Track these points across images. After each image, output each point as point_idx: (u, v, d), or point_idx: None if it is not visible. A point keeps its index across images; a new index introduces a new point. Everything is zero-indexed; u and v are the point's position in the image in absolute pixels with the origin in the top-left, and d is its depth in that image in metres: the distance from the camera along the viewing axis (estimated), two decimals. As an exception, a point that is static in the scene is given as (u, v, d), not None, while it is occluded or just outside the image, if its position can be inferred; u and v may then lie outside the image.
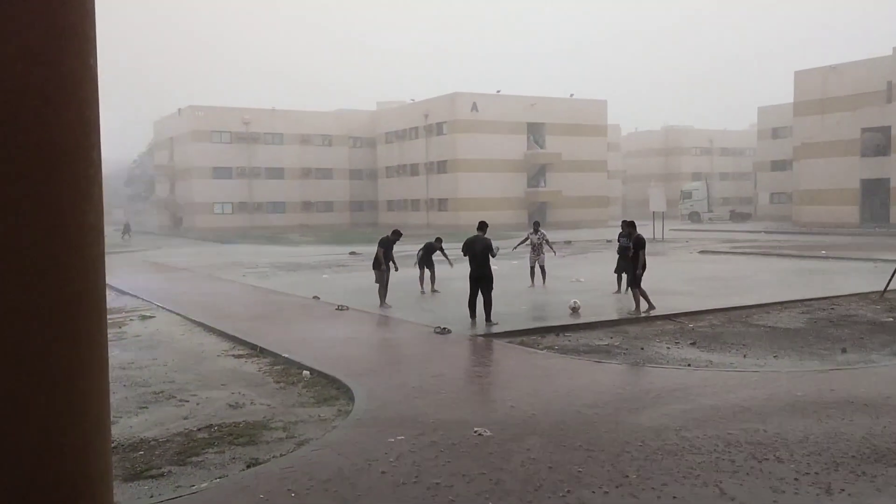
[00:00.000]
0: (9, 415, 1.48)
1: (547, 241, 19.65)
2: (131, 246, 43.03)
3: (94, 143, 1.73)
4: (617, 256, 17.25)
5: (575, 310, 14.52)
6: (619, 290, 17.15)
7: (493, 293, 13.68)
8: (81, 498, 1.49)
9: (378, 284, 16.31)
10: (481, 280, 13.54)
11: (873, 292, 16.66)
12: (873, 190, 49.20)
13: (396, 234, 17.03)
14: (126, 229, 49.07)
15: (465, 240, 14.14)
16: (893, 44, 57.46)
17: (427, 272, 18.53)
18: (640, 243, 14.94)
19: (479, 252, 13.59)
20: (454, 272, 18.32)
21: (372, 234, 41.23)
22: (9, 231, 1.52)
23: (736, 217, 68.29)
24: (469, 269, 13.81)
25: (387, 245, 16.55)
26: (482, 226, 14.17)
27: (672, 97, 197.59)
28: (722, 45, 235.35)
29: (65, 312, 1.59)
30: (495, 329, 12.96)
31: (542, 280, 19.07)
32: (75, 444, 1.55)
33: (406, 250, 22.15)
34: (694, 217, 64.63)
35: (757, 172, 72.81)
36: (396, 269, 16.88)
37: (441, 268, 18.97)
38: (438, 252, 18.60)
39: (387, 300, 16.14)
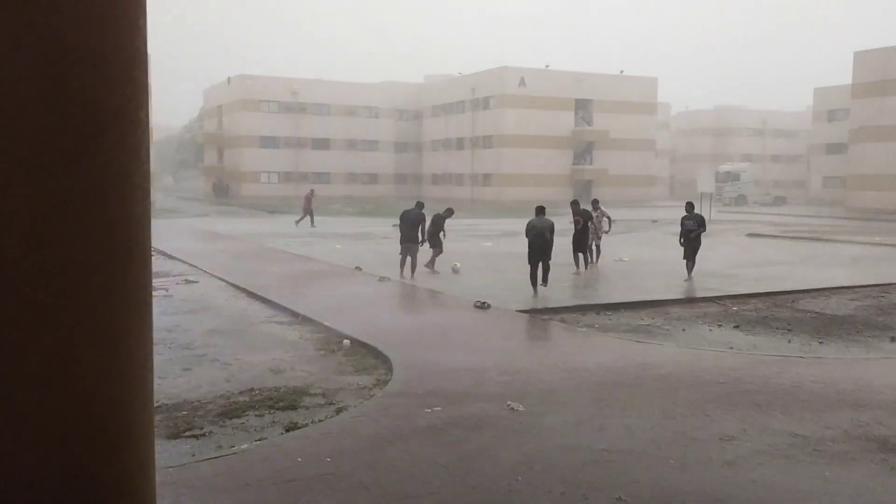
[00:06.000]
0: (57, 364, 1.53)
1: (608, 218, 19.03)
2: (183, 212, 43.74)
3: (142, 104, 1.74)
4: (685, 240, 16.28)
5: (455, 271, 16.86)
6: (689, 278, 16.06)
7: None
8: (122, 446, 1.54)
9: (407, 257, 16.36)
10: (544, 255, 14.40)
11: (928, 281, 16.17)
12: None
13: (449, 212, 17.75)
14: (306, 212, 32.60)
15: (528, 223, 14.90)
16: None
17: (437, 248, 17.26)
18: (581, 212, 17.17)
19: (545, 230, 14.43)
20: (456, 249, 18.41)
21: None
22: (58, 187, 1.55)
23: (778, 201, 65.98)
24: (529, 248, 14.48)
25: (440, 222, 17.16)
26: (541, 210, 14.89)
27: (726, 76, 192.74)
28: (779, 25, 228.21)
29: (110, 267, 1.62)
30: (536, 305, 12.96)
31: (595, 259, 18.39)
32: (118, 395, 1.60)
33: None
34: (740, 200, 61.96)
35: (811, 156, 70.68)
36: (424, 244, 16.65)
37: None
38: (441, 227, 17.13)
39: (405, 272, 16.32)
